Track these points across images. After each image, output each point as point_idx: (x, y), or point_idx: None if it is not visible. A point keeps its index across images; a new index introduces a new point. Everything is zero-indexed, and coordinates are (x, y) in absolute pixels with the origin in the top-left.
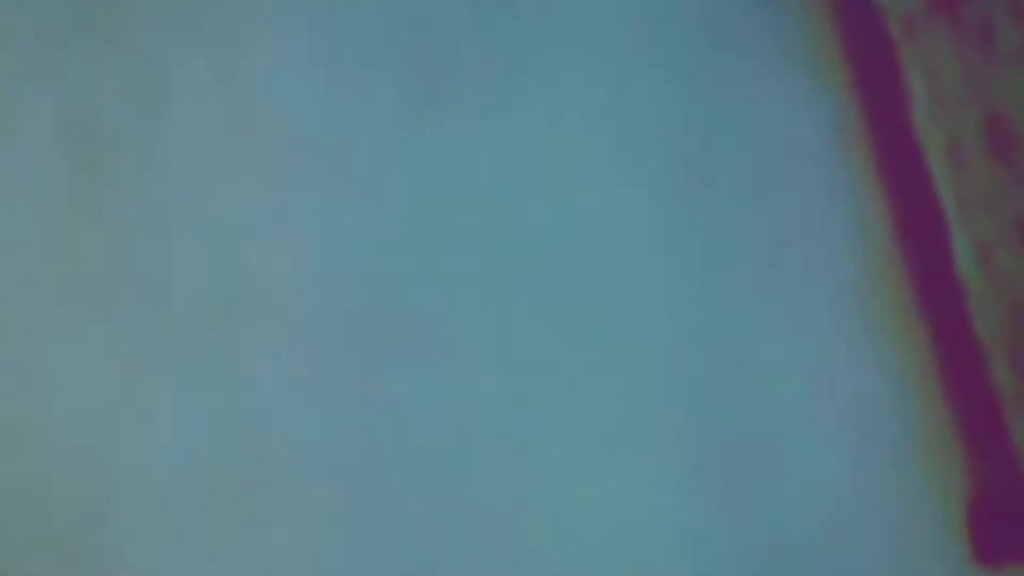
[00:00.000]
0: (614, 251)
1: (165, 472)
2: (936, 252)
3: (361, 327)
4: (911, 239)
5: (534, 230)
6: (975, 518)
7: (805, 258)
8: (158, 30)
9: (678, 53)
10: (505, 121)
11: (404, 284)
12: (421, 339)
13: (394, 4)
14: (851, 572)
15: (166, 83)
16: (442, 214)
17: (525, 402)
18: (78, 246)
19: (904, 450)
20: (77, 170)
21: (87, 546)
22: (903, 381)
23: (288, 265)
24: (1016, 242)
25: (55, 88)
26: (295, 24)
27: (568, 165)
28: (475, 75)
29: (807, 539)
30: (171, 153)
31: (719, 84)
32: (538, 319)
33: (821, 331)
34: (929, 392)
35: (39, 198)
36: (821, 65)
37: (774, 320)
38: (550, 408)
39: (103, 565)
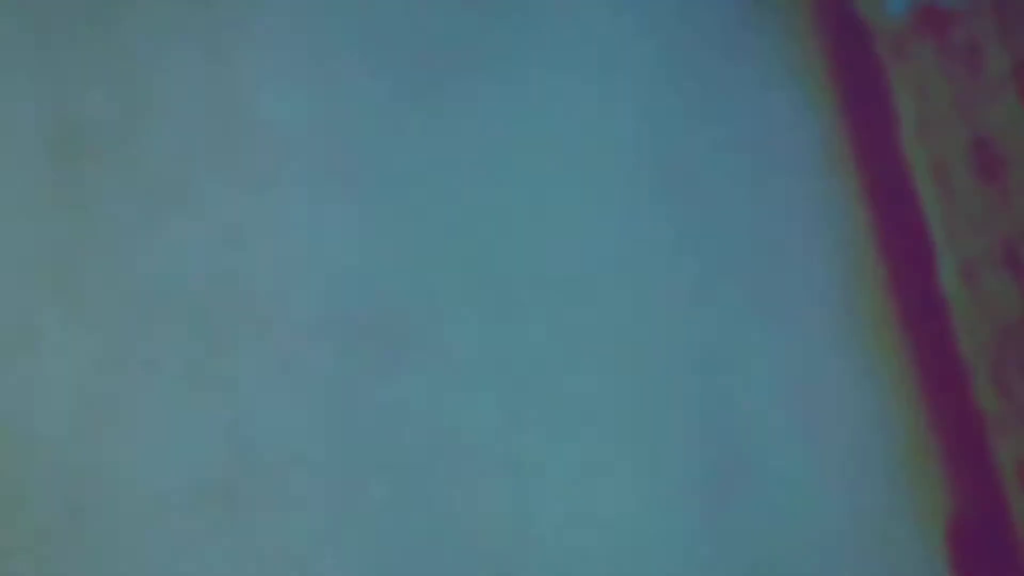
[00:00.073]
0: (604, 265)
1: (151, 476)
2: (921, 271)
3: (350, 332)
4: (897, 258)
5: (525, 238)
6: (957, 537)
7: (792, 275)
8: (144, 34)
9: (670, 69)
10: (496, 126)
11: (393, 288)
12: (410, 345)
13: (382, 10)
14: None
15: (150, 85)
16: (431, 218)
17: (515, 411)
18: (62, 248)
19: (887, 468)
20: (62, 171)
21: (72, 549)
22: (887, 399)
23: (275, 269)
24: (1001, 262)
25: (40, 90)
26: (282, 29)
27: (555, 180)
28: (467, 79)
29: (793, 553)
30: (156, 155)
31: (709, 102)
32: (527, 327)
33: (807, 349)
34: (913, 411)
35: (23, 199)
36: (810, 84)
37: (761, 337)
38: (540, 418)
39: (88, 568)
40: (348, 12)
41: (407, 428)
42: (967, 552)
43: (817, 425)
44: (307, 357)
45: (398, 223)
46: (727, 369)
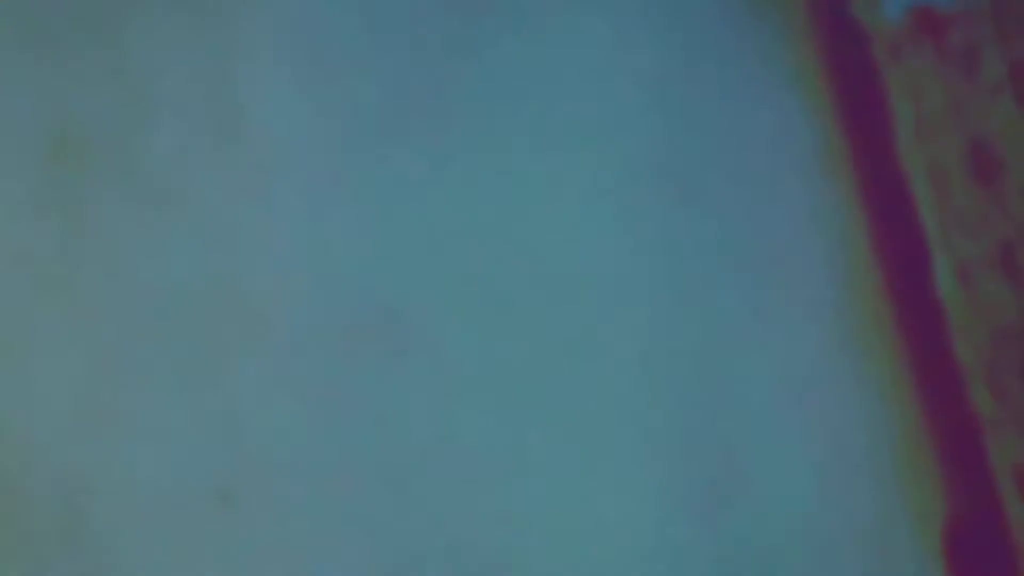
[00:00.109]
0: (602, 268)
1: (147, 478)
2: (917, 274)
3: (347, 334)
4: (893, 260)
5: (522, 241)
6: (952, 540)
7: (787, 278)
8: (141, 37)
9: (665, 74)
10: (494, 129)
11: (390, 290)
12: (408, 347)
13: (379, 19)
14: None
15: (147, 88)
16: (429, 220)
17: (513, 414)
18: (58, 250)
19: (883, 472)
20: (58, 174)
21: (67, 552)
22: (883, 403)
23: (272, 272)
24: (997, 266)
25: (37, 92)
26: (279, 32)
27: (553, 183)
28: (464, 82)
29: (789, 557)
30: (152, 158)
31: (705, 106)
32: (525, 332)
33: (803, 353)
34: (908, 414)
35: (19, 201)
36: (806, 87)
37: (757, 340)
38: (538, 422)
39: (84, 571)
40: (345, 15)
41: (405, 431)
42: (963, 556)
43: (813, 428)
44: (304, 359)
45: (396, 225)
46: (723, 372)
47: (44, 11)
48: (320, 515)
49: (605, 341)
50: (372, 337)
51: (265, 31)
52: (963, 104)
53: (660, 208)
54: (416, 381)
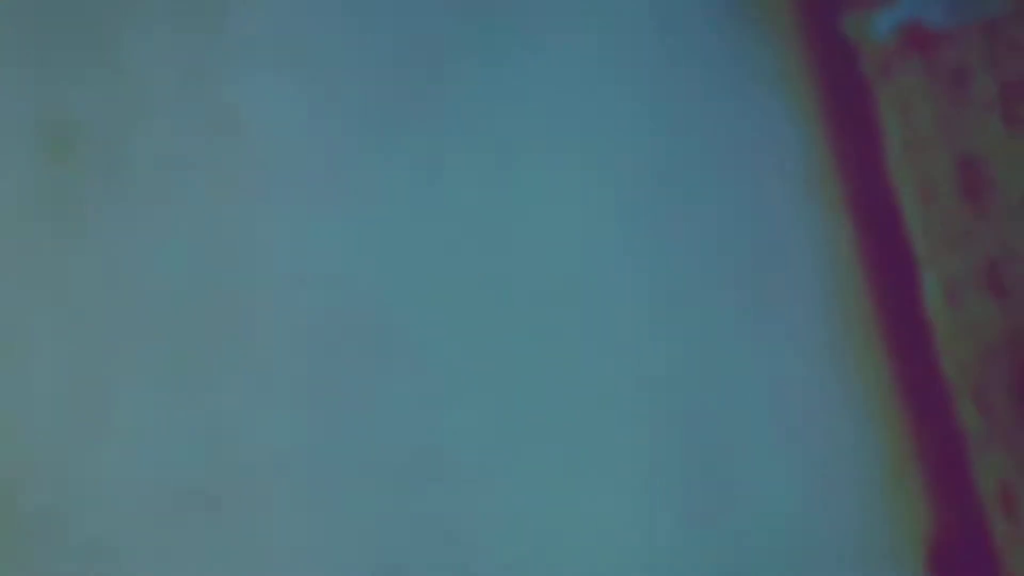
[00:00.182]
0: (590, 274)
1: (133, 481)
2: (905, 289)
3: (335, 337)
4: (881, 275)
5: (510, 245)
6: (937, 555)
7: (776, 293)
8: (134, 37)
9: (655, 90)
10: (484, 132)
11: (378, 293)
12: (395, 350)
13: (372, 21)
14: None
15: (139, 89)
16: (417, 223)
17: (500, 418)
18: (47, 250)
19: (869, 485)
20: (48, 174)
21: (52, 555)
22: (869, 416)
23: (261, 273)
24: (984, 283)
25: (28, 92)
26: (270, 35)
27: (543, 190)
28: (456, 85)
29: (770, 568)
30: (142, 159)
31: (694, 121)
32: (509, 335)
33: (790, 366)
34: (895, 429)
35: (9, 200)
36: (796, 102)
37: (743, 353)
38: (525, 426)
39: (68, 572)
40: (338, 17)
41: (392, 435)
42: (948, 571)
43: (799, 442)
44: (292, 362)
45: (386, 228)
46: (709, 385)
47: (39, 12)
48: (306, 519)
49: (593, 347)
50: (360, 340)
51: (258, 32)
52: (951, 122)
53: (648, 219)
54: (404, 384)
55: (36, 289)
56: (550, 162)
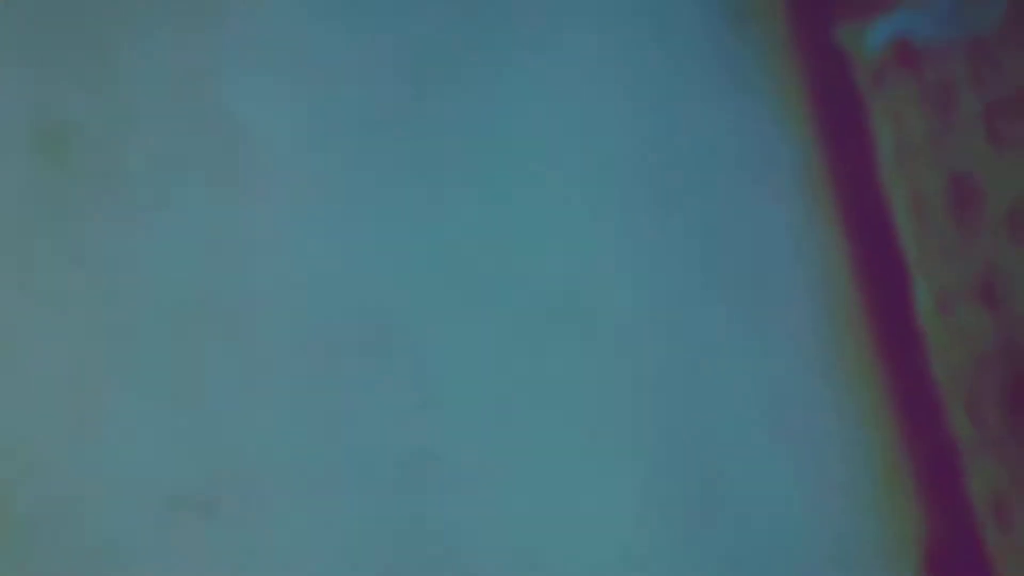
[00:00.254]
0: (586, 280)
1: (128, 486)
2: (898, 299)
3: (332, 341)
4: (873, 286)
5: (507, 248)
6: (930, 565)
7: (768, 302)
8: (128, 38)
9: (646, 100)
10: (481, 133)
11: (375, 297)
12: (393, 354)
13: (367, 27)
14: None
15: (133, 91)
16: (414, 226)
17: (497, 423)
18: (40, 254)
19: (861, 494)
20: (41, 177)
21: (47, 560)
22: (862, 426)
23: (256, 277)
24: (976, 294)
25: (21, 93)
26: (266, 36)
27: (537, 195)
28: (452, 86)
29: (765, 571)
30: (136, 161)
31: (687, 131)
32: (504, 340)
33: (783, 376)
34: (887, 438)
35: (10, 205)
36: (790, 112)
37: (736, 363)
38: (522, 431)
39: (67, 575)
40: (334, 22)
41: (389, 439)
42: None
43: (791, 451)
44: (289, 366)
45: (381, 231)
46: (701, 393)
47: (36, 14)
48: (303, 524)
49: (589, 349)
50: (357, 345)
51: (256, 35)
52: (941, 136)
53: (643, 226)
54: (402, 387)
55: (33, 292)
56: (546, 166)
